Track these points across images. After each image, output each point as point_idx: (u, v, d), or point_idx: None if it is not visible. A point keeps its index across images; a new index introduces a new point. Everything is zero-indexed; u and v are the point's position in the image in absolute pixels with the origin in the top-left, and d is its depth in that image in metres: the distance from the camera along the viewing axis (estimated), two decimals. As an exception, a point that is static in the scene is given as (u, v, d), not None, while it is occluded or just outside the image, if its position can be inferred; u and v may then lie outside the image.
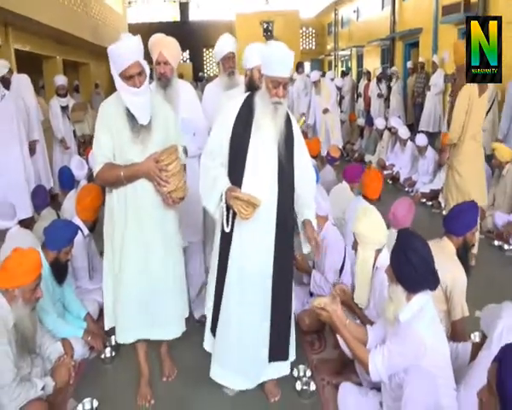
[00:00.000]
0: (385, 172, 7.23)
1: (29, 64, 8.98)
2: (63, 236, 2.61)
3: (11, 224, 3.32)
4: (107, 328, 2.41)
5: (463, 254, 2.52)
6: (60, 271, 2.59)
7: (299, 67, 9.43)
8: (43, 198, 3.76)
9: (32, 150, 5.25)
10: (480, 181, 4.00)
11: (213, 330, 2.32)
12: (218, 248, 2.27)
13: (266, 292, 2.22)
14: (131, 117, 2.16)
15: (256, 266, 2.20)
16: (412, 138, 7.02)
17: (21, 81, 5.49)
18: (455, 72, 6.94)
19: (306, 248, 2.29)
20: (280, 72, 2.04)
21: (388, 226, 3.11)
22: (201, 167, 2.23)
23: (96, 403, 2.42)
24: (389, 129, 7.86)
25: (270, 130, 2.13)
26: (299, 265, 3.03)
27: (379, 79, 10.63)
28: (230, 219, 2.15)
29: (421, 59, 9.74)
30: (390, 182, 7.17)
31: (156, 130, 2.23)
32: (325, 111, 7.64)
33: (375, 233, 2.37)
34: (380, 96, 10.50)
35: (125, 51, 2.09)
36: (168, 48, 2.76)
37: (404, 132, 7.09)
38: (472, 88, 3.77)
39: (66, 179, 4.17)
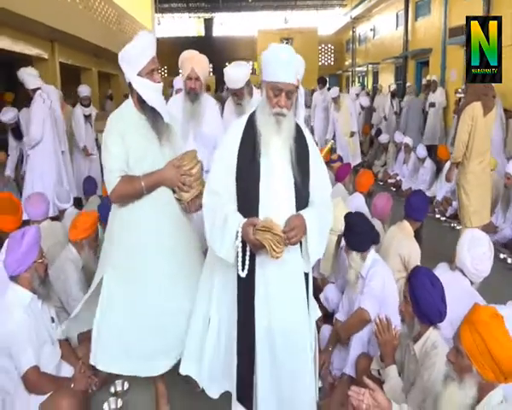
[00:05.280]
0: (389, 181, 7.94)
1: (69, 75, 9.97)
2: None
3: (68, 205, 4.15)
4: (102, 368, 2.25)
5: (419, 233, 3.24)
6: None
7: (319, 82, 9.30)
8: (93, 186, 4.60)
9: None
10: (486, 199, 4.11)
11: (243, 400, 1.94)
12: (237, 299, 1.89)
13: (305, 344, 1.91)
14: (153, 118, 2.09)
15: (290, 316, 1.87)
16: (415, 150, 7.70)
17: (51, 92, 5.64)
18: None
19: (307, 267, 1.93)
20: (281, 76, 1.73)
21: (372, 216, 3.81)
22: (205, 208, 1.88)
23: (126, 385, 2.65)
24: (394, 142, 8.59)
25: (278, 148, 1.81)
26: None
27: (393, 95, 10.69)
28: (247, 262, 1.80)
29: (429, 77, 10.36)
30: (393, 189, 7.81)
31: (175, 134, 2.23)
32: (352, 134, 7.83)
33: (334, 223, 2.94)
34: (396, 113, 10.51)
35: (143, 48, 2.06)
36: (199, 65, 2.87)
37: (409, 140, 7.81)
38: (476, 107, 3.80)
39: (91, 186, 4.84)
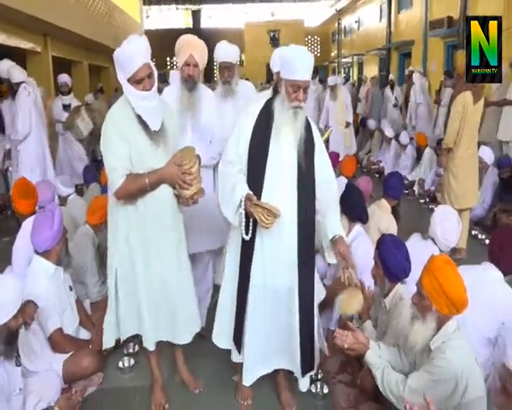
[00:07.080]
0: (372, 167, 8.34)
1: (60, 69, 10.11)
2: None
3: (71, 190, 4.39)
4: (107, 346, 2.38)
5: (396, 210, 3.61)
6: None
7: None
8: (93, 175, 4.86)
9: None
10: (473, 184, 4.27)
11: (237, 341, 2.28)
12: (239, 259, 2.20)
13: (293, 305, 2.16)
14: (144, 123, 2.09)
15: (281, 279, 2.15)
16: (397, 138, 8.09)
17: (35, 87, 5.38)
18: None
19: (331, 259, 2.17)
20: (300, 75, 1.99)
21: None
22: (220, 175, 2.18)
23: (137, 347, 2.92)
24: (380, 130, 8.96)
25: (289, 136, 2.08)
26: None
27: (391, 86, 10.20)
28: (251, 227, 2.09)
29: (411, 68, 10.72)
30: (377, 176, 8.20)
31: (170, 133, 2.21)
32: (347, 125, 7.81)
33: None
34: (395, 105, 10.12)
35: (133, 54, 2.00)
36: (198, 51, 2.67)
37: (388, 131, 8.16)
38: (467, 96, 3.92)
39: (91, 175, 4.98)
